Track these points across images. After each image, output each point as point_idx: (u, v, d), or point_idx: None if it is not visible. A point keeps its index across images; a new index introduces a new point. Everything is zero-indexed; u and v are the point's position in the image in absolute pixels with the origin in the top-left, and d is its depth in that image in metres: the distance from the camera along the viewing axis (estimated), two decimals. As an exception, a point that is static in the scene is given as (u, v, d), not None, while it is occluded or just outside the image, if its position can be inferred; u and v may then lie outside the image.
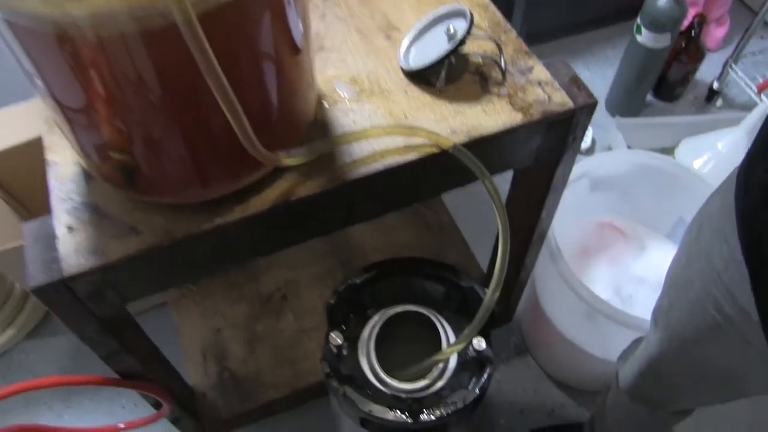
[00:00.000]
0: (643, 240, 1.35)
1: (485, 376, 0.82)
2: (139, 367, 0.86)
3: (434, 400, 0.83)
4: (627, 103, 1.72)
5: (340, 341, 0.84)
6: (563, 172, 0.95)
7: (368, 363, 0.85)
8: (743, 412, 1.30)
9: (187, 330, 1.28)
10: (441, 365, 0.84)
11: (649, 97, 1.78)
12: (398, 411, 0.79)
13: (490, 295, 0.81)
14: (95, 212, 0.72)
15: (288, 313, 1.28)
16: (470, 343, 0.83)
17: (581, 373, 1.32)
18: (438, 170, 0.80)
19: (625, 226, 1.36)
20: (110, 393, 1.38)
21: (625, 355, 0.96)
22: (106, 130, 0.61)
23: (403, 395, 0.83)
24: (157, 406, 1.01)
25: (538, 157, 0.89)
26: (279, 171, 0.74)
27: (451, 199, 1.42)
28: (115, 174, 0.68)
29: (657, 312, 0.82)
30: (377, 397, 0.83)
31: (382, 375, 0.83)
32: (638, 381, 0.89)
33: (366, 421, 0.81)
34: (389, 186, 0.78)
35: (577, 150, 0.94)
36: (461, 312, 0.89)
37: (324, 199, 0.75)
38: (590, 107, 0.82)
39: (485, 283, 0.83)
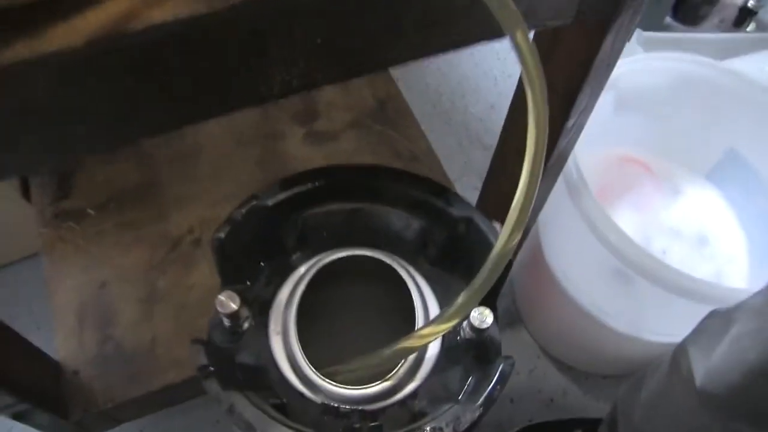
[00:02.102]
0: (677, 181, 0.95)
1: (495, 376, 0.42)
2: None
3: (399, 416, 0.44)
4: (641, 25, 1.36)
5: (235, 306, 0.44)
6: (615, 42, 0.55)
7: (285, 348, 0.45)
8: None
9: (60, 285, 0.86)
10: (413, 357, 0.46)
11: (668, 20, 1.43)
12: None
13: (507, 234, 0.41)
14: None
15: (201, 263, 0.86)
16: (466, 318, 0.44)
17: (595, 353, 0.92)
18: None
19: (654, 163, 0.96)
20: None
21: (700, 338, 0.57)
22: None
23: (344, 407, 0.44)
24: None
25: (583, 6, 0.49)
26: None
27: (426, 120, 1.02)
28: None
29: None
30: (298, 411, 0.43)
31: (309, 371, 0.44)
32: (734, 381, 0.51)
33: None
34: (331, 23, 0.37)
35: (639, 11, 0.54)
36: (450, 263, 0.50)
37: (196, 32, 0.34)
38: None
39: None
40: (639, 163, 0.95)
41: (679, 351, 0.59)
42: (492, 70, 1.16)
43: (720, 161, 0.91)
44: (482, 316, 0.43)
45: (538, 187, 0.44)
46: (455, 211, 0.45)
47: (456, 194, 0.46)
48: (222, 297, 0.44)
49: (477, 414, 0.39)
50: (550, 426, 0.92)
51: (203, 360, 0.40)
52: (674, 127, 0.92)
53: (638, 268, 0.68)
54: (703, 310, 0.61)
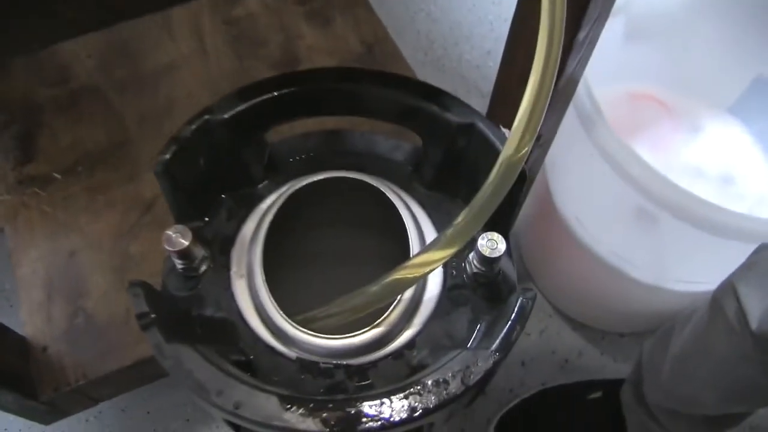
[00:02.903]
0: (696, 116, 0.85)
1: (512, 312, 0.32)
2: None
3: (394, 372, 0.34)
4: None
5: (185, 242, 0.35)
6: None
7: (250, 294, 0.35)
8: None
9: (25, 255, 0.76)
10: (408, 297, 0.37)
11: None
12: (314, 412, 0.30)
13: (518, 136, 0.31)
14: None
15: (178, 226, 0.77)
16: (472, 243, 0.35)
17: (613, 309, 0.82)
18: None
19: (669, 99, 0.86)
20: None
21: (751, 275, 0.47)
22: None
23: (325, 362, 0.35)
24: None
25: None
26: None
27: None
28: None
29: None
30: (269, 369, 0.34)
31: (280, 318, 0.34)
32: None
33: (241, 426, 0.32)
34: None
35: None
36: (450, 185, 0.40)
37: None
38: None
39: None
40: (653, 100, 0.85)
41: (723, 293, 0.50)
42: (487, 15, 1.06)
43: (745, 92, 0.81)
44: (492, 243, 0.34)
45: (555, 76, 0.35)
46: (453, 117, 0.36)
47: (453, 96, 0.37)
48: (169, 232, 0.35)
49: (491, 362, 0.30)
50: (566, 389, 0.83)
51: (142, 306, 0.31)
52: (692, 56, 0.81)
53: (666, 203, 0.58)
54: (741, 250, 0.52)
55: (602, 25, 0.57)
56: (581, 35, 0.54)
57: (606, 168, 0.61)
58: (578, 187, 0.72)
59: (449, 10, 1.06)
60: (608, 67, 0.71)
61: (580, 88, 0.62)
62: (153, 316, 0.31)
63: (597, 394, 0.81)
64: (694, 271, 0.69)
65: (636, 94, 0.85)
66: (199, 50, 0.88)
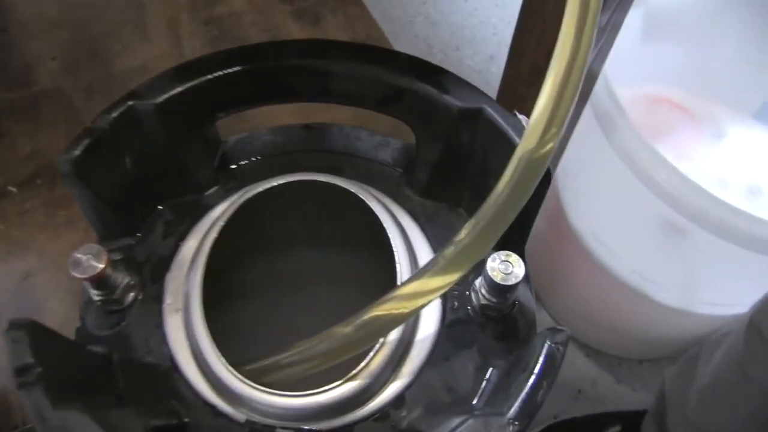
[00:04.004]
0: (719, 122, 0.76)
1: (537, 363, 0.22)
2: None
3: None
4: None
5: (100, 266, 0.25)
6: None
7: (187, 334, 0.27)
8: None
9: (-28, 280, 0.69)
10: (395, 338, 0.27)
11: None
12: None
13: (542, 125, 0.23)
14: None
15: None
16: (480, 267, 0.26)
17: (632, 334, 0.73)
18: None
19: (691, 103, 0.78)
20: None
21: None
22: None
23: (284, 429, 0.26)
24: None
25: None
26: None
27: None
28: None
29: None
30: None
31: (223, 369, 0.25)
32: None
33: None
34: None
35: None
36: (450, 191, 0.31)
37: None
38: None
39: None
40: (673, 104, 0.76)
41: (763, 315, 0.41)
42: (491, 18, 0.98)
43: (770, 96, 0.73)
44: (506, 266, 0.25)
45: (592, 42, 0.26)
46: (454, 101, 0.27)
47: (454, 75, 0.28)
48: (78, 255, 0.26)
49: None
50: (580, 422, 0.73)
51: (24, 356, 0.22)
52: (714, 56, 0.73)
53: (698, 215, 0.50)
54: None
55: (626, 9, 0.49)
56: (603, 20, 0.46)
57: (628, 175, 0.53)
58: (594, 198, 0.63)
59: (450, 14, 0.98)
60: (624, 67, 0.63)
61: (599, 85, 0.53)
62: (39, 370, 0.22)
63: (615, 428, 0.72)
64: (727, 293, 0.60)
65: (654, 97, 0.76)
66: (175, 52, 0.80)
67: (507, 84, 0.53)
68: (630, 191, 0.53)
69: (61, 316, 0.64)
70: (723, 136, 0.76)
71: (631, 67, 0.66)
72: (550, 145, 0.24)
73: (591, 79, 0.53)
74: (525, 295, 0.27)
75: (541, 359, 0.22)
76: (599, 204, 0.63)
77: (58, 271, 0.66)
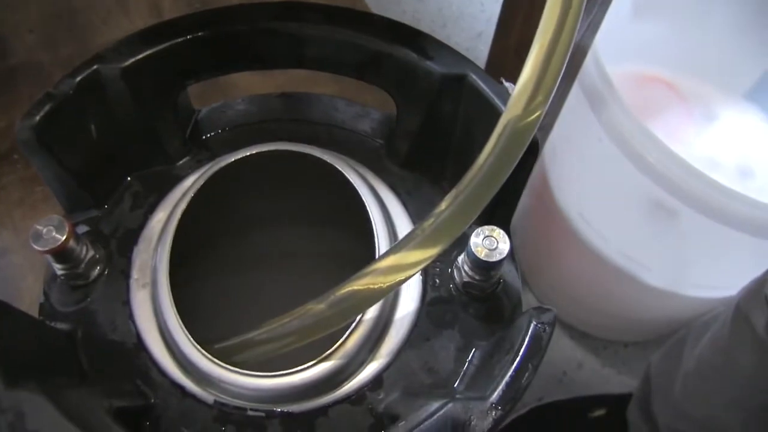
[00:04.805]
0: (710, 102, 0.75)
1: (521, 344, 0.21)
2: None
3: (351, 423, 0.24)
4: None
5: (60, 237, 0.23)
6: None
7: (154, 311, 0.25)
8: None
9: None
10: (372, 316, 0.26)
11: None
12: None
13: (529, 91, 0.21)
14: None
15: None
16: (462, 242, 0.25)
17: (618, 316, 0.72)
18: None
19: (681, 82, 0.76)
20: None
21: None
22: None
23: (254, 410, 0.25)
24: None
25: None
26: None
27: None
28: None
29: None
30: (175, 416, 0.24)
31: (191, 347, 0.23)
32: None
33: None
34: None
35: None
36: (432, 162, 0.29)
37: None
38: None
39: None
40: (663, 83, 0.75)
41: (750, 301, 0.40)
42: (479, -5, 0.96)
43: (764, 76, 0.72)
44: (490, 242, 0.23)
45: (582, 11, 0.24)
46: (436, 66, 0.25)
47: (435, 40, 0.26)
48: (39, 226, 0.24)
49: (491, 419, 0.19)
50: (564, 405, 0.73)
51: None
52: (705, 35, 0.72)
53: (690, 195, 0.48)
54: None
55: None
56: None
57: (617, 154, 0.51)
58: (582, 177, 0.62)
59: (436, -10, 0.96)
60: (614, 44, 0.61)
61: (589, 61, 0.52)
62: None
63: (600, 412, 0.71)
64: (717, 276, 0.59)
65: (644, 77, 0.75)
66: (156, 25, 0.78)
67: (494, 60, 0.52)
68: (619, 170, 0.52)
69: (37, 294, 0.62)
70: (713, 117, 0.75)
71: (621, 44, 0.65)
72: (536, 114, 0.23)
73: (580, 54, 0.51)
74: (510, 273, 0.26)
75: (526, 340, 0.21)
76: (587, 183, 0.61)
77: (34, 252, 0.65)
